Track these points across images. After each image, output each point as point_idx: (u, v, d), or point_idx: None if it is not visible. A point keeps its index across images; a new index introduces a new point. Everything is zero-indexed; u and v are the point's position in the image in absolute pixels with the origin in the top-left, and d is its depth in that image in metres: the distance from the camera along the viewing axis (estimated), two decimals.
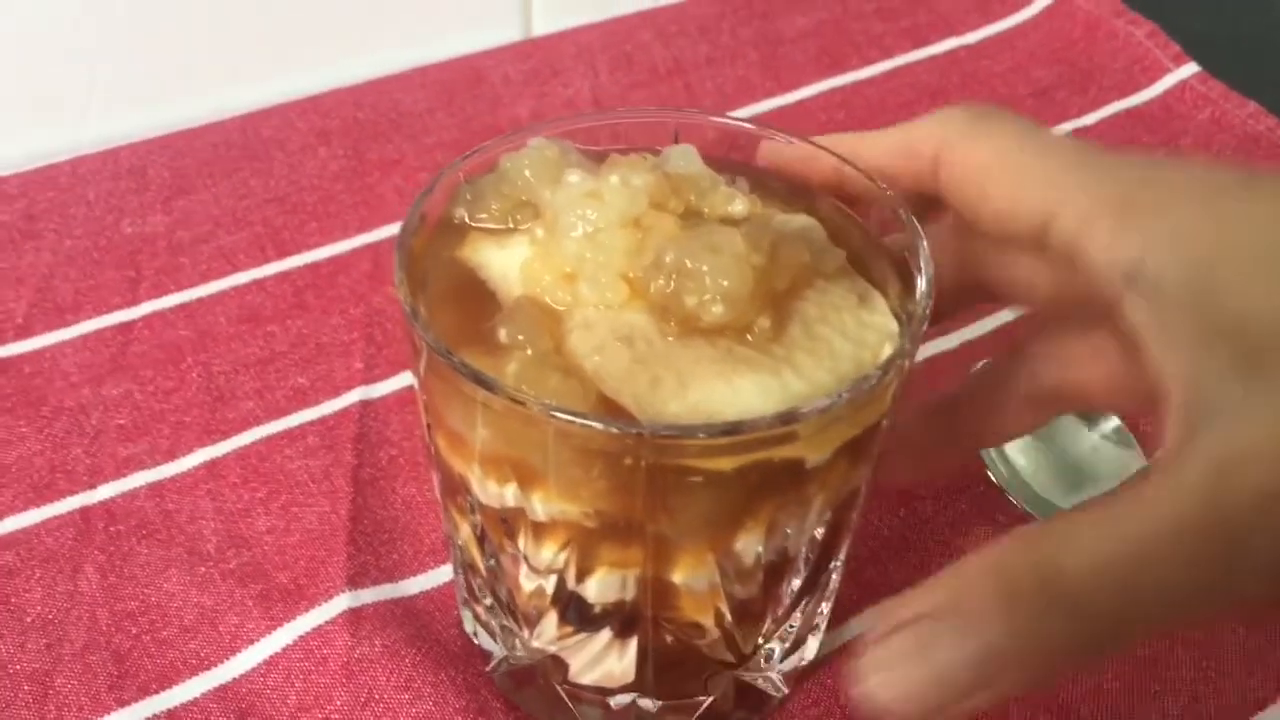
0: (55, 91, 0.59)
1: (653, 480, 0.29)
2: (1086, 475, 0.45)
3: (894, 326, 0.31)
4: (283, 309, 0.52)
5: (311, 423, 0.47)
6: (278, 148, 0.59)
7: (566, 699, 0.37)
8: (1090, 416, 0.46)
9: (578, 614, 0.33)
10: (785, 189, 0.36)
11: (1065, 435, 0.46)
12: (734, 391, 0.29)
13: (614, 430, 0.28)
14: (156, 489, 0.45)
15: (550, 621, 0.34)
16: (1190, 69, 0.65)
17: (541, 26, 0.68)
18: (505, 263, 0.32)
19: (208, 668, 0.40)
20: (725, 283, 0.29)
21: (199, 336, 0.50)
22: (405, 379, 0.49)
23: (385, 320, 0.51)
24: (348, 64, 0.64)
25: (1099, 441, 0.46)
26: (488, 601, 0.36)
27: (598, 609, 0.33)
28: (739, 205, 0.33)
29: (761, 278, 0.30)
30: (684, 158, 0.33)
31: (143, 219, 0.55)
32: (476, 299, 0.32)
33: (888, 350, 0.31)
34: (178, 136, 0.59)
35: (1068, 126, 0.62)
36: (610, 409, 0.29)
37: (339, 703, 0.38)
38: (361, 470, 0.45)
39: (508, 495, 0.31)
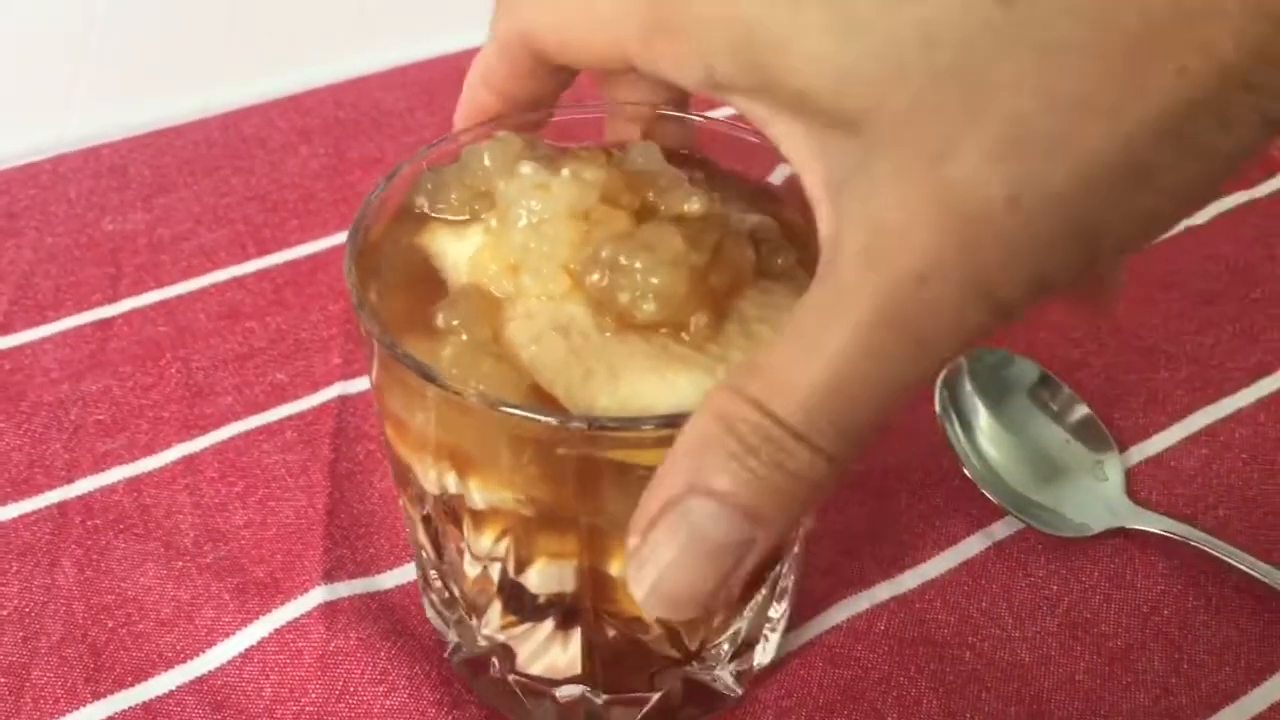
0: (37, 90, 0.59)
1: (583, 471, 0.29)
2: (1059, 468, 0.45)
3: None
4: (262, 305, 0.52)
5: (289, 418, 0.47)
6: (259, 146, 0.59)
7: (516, 690, 0.37)
8: (1062, 410, 0.46)
9: (520, 604, 0.34)
10: (751, 189, 0.36)
11: (1037, 429, 0.46)
12: (667, 387, 0.29)
13: (543, 420, 0.28)
14: (134, 484, 0.45)
15: (495, 611, 0.34)
16: None
17: None
18: (459, 252, 0.32)
19: (183, 660, 0.40)
20: (655, 281, 0.29)
21: (178, 333, 0.50)
22: None
23: None
24: (330, 65, 0.64)
25: (1071, 434, 0.46)
26: (442, 592, 0.37)
27: (541, 599, 0.33)
28: (695, 203, 0.32)
29: (699, 277, 0.30)
30: (644, 154, 0.33)
31: (124, 216, 0.55)
32: (428, 287, 0.32)
33: None
34: (159, 135, 0.59)
35: None
36: (543, 399, 0.29)
37: (314, 695, 0.39)
38: (339, 465, 0.46)
39: (449, 483, 0.31)
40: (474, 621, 0.36)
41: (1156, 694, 0.39)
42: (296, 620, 0.40)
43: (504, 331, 0.30)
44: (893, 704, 0.39)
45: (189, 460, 0.45)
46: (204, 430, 0.47)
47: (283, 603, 0.41)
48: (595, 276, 0.30)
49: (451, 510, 0.32)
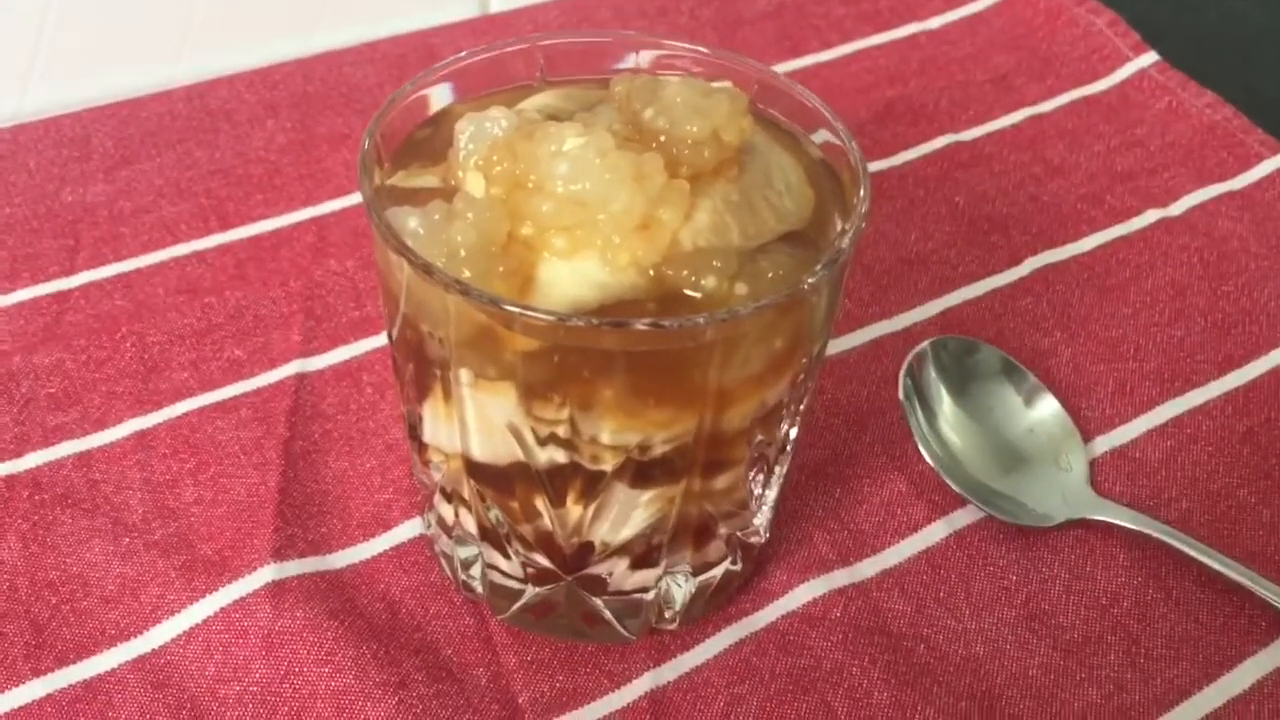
0: None
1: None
2: (1022, 457, 0.45)
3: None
4: (222, 280, 0.51)
5: (245, 394, 0.47)
6: (224, 119, 0.58)
7: (606, 612, 0.38)
8: (1027, 399, 0.46)
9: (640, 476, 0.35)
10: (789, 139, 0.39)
11: (1001, 416, 0.45)
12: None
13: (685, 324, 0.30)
14: (84, 459, 0.44)
15: (605, 528, 0.36)
16: (1149, 58, 0.64)
17: (498, 5, 0.68)
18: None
19: (127, 638, 0.39)
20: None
21: (135, 307, 0.49)
22: (343, 352, 0.48)
23: (326, 293, 0.51)
24: (300, 38, 0.63)
25: (1035, 423, 0.45)
26: (524, 550, 0.37)
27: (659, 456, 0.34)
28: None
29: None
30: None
31: (84, 188, 0.54)
32: None
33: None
34: (122, 106, 0.58)
35: (1025, 113, 0.62)
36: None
37: (258, 675, 0.38)
38: (294, 443, 0.45)
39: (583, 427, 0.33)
40: (545, 563, 0.37)
41: (1110, 690, 0.39)
42: (243, 599, 0.40)
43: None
44: (843, 695, 0.38)
45: (141, 436, 0.45)
46: (157, 406, 0.46)
47: (230, 581, 0.40)
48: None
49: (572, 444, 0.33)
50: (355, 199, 0.55)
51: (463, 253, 0.31)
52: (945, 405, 0.45)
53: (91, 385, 0.46)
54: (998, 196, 0.57)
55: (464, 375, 0.33)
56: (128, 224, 0.53)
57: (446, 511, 0.39)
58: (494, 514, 0.37)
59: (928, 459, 0.44)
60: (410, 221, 0.32)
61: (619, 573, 0.37)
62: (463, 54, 0.38)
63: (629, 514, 0.35)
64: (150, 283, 0.51)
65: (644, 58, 0.40)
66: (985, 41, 0.67)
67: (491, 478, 0.36)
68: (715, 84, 0.36)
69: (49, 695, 0.38)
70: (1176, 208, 0.57)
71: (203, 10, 0.61)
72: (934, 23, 0.68)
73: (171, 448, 0.44)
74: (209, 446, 0.45)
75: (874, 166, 0.58)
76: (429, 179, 0.35)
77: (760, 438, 0.35)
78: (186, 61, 0.61)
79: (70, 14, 0.58)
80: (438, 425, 0.36)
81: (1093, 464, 0.45)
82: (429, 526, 0.41)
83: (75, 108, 0.58)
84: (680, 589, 0.39)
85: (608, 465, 0.33)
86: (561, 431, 0.33)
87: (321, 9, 0.64)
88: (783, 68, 0.64)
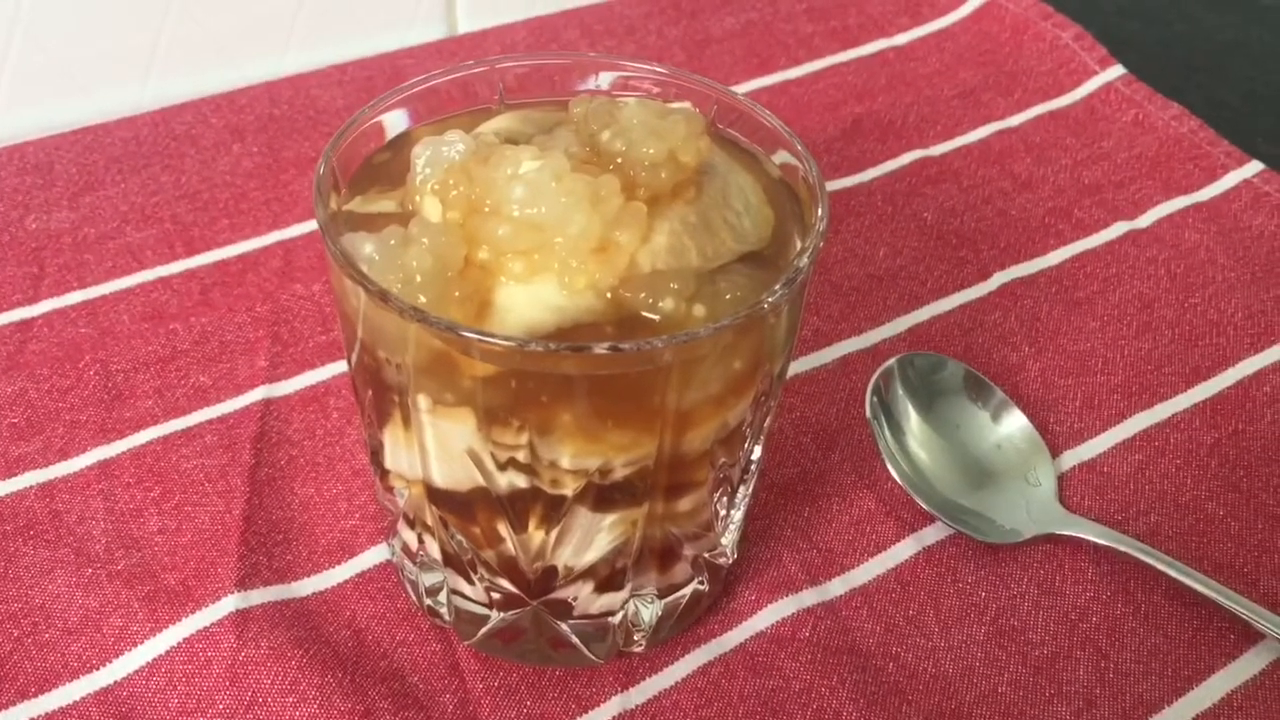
0: None
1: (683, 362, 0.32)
2: (990, 473, 0.45)
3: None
4: (187, 306, 0.51)
5: (210, 421, 0.46)
6: (190, 144, 0.58)
7: (573, 636, 0.38)
8: (995, 414, 0.46)
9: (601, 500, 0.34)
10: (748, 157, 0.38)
11: (969, 432, 0.45)
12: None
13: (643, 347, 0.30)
14: (47, 489, 0.44)
15: (568, 551, 0.35)
16: (1116, 71, 0.65)
17: (466, 26, 0.67)
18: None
19: (89, 671, 0.39)
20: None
21: (99, 335, 0.49)
22: (310, 377, 0.48)
23: (292, 318, 0.50)
24: (266, 61, 0.63)
25: (1003, 439, 0.45)
26: (488, 576, 0.37)
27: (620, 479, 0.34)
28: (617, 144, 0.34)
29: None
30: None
31: (48, 215, 0.54)
32: None
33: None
34: (86, 132, 0.58)
35: (992, 128, 0.62)
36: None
37: (222, 706, 0.38)
38: (259, 470, 0.45)
39: (542, 452, 0.33)
40: (510, 588, 0.37)
41: (1079, 705, 0.39)
42: (207, 629, 0.39)
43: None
44: (812, 716, 0.38)
45: (104, 465, 0.44)
46: (121, 435, 0.45)
47: (193, 611, 0.40)
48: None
49: (531, 468, 0.33)
50: None
51: (418, 278, 0.31)
52: (913, 422, 0.45)
53: (54, 415, 0.46)
54: (965, 211, 0.57)
55: (422, 401, 0.33)
56: (92, 250, 0.53)
57: (410, 538, 0.38)
58: (457, 540, 0.36)
59: (896, 477, 0.44)
60: (365, 247, 0.32)
61: (584, 596, 0.37)
62: (422, 77, 0.38)
63: (592, 538, 0.35)
64: (115, 309, 0.50)
65: (604, 79, 0.40)
66: (952, 57, 0.67)
67: (453, 504, 0.35)
68: (673, 105, 0.36)
69: None
70: (1143, 220, 0.57)
71: (168, 34, 0.60)
72: (901, 39, 0.68)
73: (135, 476, 0.44)
74: (173, 475, 0.44)
75: (842, 183, 0.58)
76: (387, 204, 0.35)
77: (723, 459, 0.35)
78: (152, 86, 0.61)
79: (33, 40, 0.58)
80: (398, 451, 0.36)
81: (1061, 479, 0.45)
82: (394, 553, 0.41)
83: (39, 134, 0.58)
84: (647, 611, 0.38)
85: (568, 489, 0.33)
86: (521, 456, 0.33)
87: (288, 32, 0.64)
88: (751, 85, 0.65)
